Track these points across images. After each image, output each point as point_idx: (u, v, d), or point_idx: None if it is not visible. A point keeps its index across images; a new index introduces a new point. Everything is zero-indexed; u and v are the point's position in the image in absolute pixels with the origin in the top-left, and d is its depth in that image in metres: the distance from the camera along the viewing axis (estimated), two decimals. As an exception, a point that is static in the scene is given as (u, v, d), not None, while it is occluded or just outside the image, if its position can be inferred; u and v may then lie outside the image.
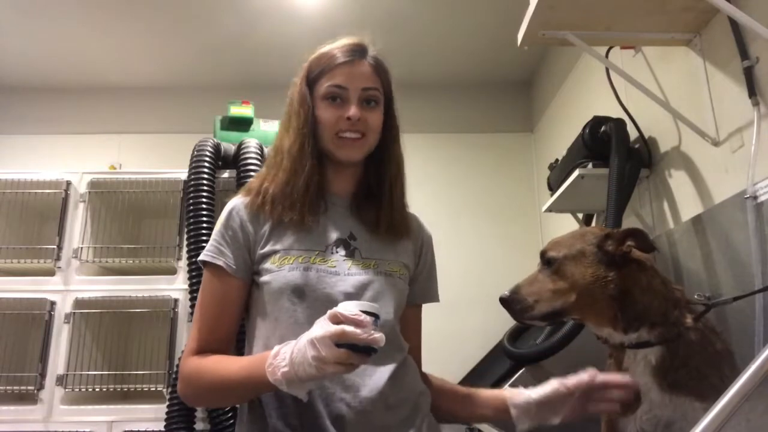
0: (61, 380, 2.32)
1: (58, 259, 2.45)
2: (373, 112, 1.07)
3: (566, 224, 2.61)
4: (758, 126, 1.36)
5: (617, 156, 1.77)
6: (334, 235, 1.05)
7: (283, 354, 0.84)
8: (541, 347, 1.68)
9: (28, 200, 2.59)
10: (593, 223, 2.36)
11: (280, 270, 0.99)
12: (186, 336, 2.30)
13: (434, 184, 3.33)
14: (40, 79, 3.34)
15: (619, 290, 0.96)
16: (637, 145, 1.95)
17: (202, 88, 3.39)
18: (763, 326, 1.27)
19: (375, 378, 0.97)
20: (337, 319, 0.80)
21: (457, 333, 2.99)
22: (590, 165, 1.91)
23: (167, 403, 2.09)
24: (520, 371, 1.73)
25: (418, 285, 1.16)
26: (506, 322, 2.59)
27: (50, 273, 2.45)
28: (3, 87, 3.38)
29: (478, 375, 2.67)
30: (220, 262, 1.01)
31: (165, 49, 3.11)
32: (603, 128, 1.89)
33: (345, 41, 1.08)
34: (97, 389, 2.36)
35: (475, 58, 3.21)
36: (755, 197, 1.34)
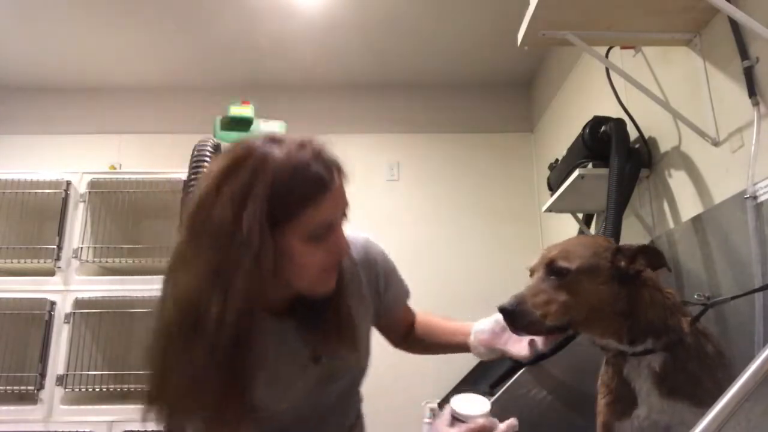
0: (61, 380, 2.32)
1: (58, 259, 2.45)
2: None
3: (566, 224, 2.61)
4: (758, 126, 1.36)
5: (617, 156, 1.77)
6: (305, 365, 0.92)
7: None
8: (541, 347, 1.67)
9: (28, 200, 2.59)
10: (593, 224, 2.36)
11: (273, 416, 0.90)
12: (186, 336, 2.30)
13: (434, 184, 3.34)
14: (40, 79, 3.34)
15: (626, 306, 0.93)
16: (637, 145, 1.95)
17: (202, 88, 3.40)
18: (763, 326, 1.26)
19: None
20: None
21: (457, 333, 2.99)
22: (590, 165, 1.91)
23: (167, 403, 2.09)
24: (520, 371, 1.73)
25: (387, 300, 1.10)
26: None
27: (50, 273, 2.45)
28: (3, 87, 3.37)
29: (479, 375, 2.67)
30: None
31: (165, 49, 3.10)
32: (603, 128, 1.89)
33: (314, 152, 0.80)
34: (97, 389, 2.36)
35: (475, 58, 3.21)
36: (755, 197, 1.34)
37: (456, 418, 0.85)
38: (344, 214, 0.84)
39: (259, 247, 0.73)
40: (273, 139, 0.80)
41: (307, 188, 0.77)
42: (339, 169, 0.83)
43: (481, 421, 0.83)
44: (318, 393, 0.96)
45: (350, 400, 1.08)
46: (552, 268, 0.96)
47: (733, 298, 1.02)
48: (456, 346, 1.14)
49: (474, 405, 0.86)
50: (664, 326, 0.93)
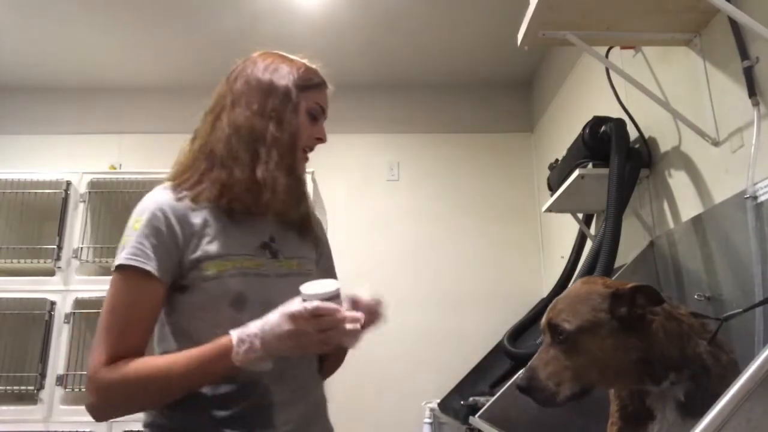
0: (61, 380, 2.32)
1: (58, 259, 2.45)
2: None
3: (566, 224, 2.61)
4: (758, 126, 1.36)
5: (617, 156, 1.78)
6: (258, 239, 1.06)
7: (249, 339, 0.89)
8: (541, 347, 1.68)
9: (28, 200, 2.60)
10: (593, 224, 2.36)
11: (220, 277, 0.98)
12: (186, 336, 2.30)
13: (434, 184, 3.34)
14: (40, 79, 3.34)
15: (641, 351, 0.90)
16: (637, 145, 1.95)
17: (202, 88, 3.36)
18: (763, 327, 1.27)
19: (307, 373, 1.07)
20: (317, 311, 0.86)
21: (457, 333, 2.98)
22: (590, 165, 1.91)
23: (167, 403, 2.09)
24: (521, 371, 1.72)
25: (320, 272, 1.17)
26: (506, 321, 2.60)
27: (50, 273, 2.45)
28: (3, 87, 3.37)
29: (479, 375, 2.67)
30: (149, 267, 0.94)
31: (165, 49, 3.10)
32: (603, 128, 1.89)
33: (316, 66, 1.18)
34: (97, 389, 2.36)
35: (475, 58, 3.21)
36: (755, 197, 1.34)
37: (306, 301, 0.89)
38: (325, 117, 1.16)
39: (291, 96, 1.09)
40: None
41: (317, 78, 1.14)
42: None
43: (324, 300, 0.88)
44: (261, 269, 1.03)
45: None
46: (555, 334, 0.93)
47: (745, 310, 1.00)
48: None
49: (322, 286, 0.90)
50: (683, 358, 0.91)
